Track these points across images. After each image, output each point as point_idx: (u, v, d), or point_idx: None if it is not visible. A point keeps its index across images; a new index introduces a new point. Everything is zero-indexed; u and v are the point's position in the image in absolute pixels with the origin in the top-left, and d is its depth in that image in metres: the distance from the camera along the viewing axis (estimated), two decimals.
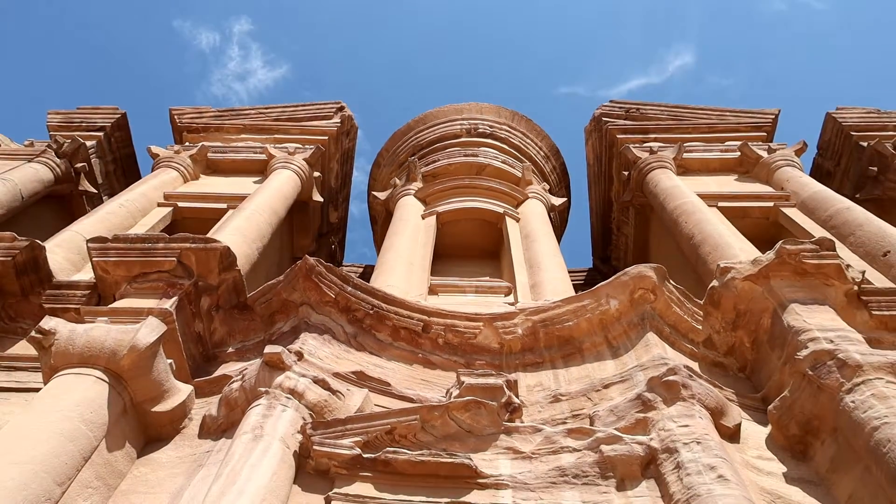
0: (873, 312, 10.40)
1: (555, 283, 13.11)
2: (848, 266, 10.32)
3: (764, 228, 15.89)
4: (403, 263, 14.03)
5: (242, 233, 13.67)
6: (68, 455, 7.26)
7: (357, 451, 8.03)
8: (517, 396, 9.27)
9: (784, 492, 8.05)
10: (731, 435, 8.77)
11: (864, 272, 10.59)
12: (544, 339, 10.80)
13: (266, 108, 21.83)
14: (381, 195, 19.61)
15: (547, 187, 19.97)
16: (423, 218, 16.95)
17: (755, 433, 9.13)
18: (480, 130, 20.49)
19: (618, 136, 19.75)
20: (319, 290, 10.57)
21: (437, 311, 11.10)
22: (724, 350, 10.64)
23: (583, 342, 10.64)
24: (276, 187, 16.52)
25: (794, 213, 15.48)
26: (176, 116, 20.74)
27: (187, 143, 19.76)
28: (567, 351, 10.67)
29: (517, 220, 16.87)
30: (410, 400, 9.66)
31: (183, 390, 9.20)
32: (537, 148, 21.05)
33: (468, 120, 20.85)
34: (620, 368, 9.93)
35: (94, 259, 10.54)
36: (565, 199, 19.77)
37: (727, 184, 17.46)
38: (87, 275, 11.93)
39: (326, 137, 20.17)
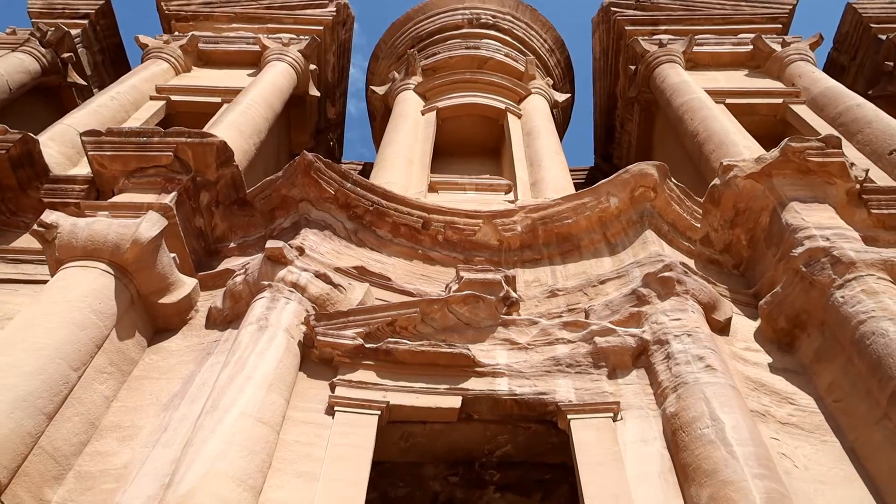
0: (872, 211, 10.43)
1: (555, 181, 13.02)
2: (852, 164, 10.21)
3: (771, 126, 15.54)
4: (403, 160, 13.86)
5: (238, 128, 13.39)
6: (81, 343, 7.53)
7: (359, 341, 8.33)
8: (515, 291, 9.48)
9: (767, 380, 8.44)
10: (722, 328, 9.06)
11: (867, 171, 10.49)
12: (543, 236, 10.87)
13: None
14: (380, 90, 19.03)
15: (550, 82, 19.36)
16: (422, 114, 16.54)
17: (745, 327, 9.44)
18: (483, 21, 19.54)
19: (626, 28, 18.86)
20: (319, 187, 10.50)
21: (437, 208, 11.10)
22: (721, 248, 10.76)
23: (581, 239, 10.73)
24: (270, 80, 15.98)
25: (802, 111, 15.09)
26: (163, 3, 19.66)
27: (176, 33, 18.88)
28: (565, 248, 10.79)
29: (519, 117, 16.46)
30: (410, 294, 9.88)
31: (188, 283, 9.39)
32: (541, 40, 20.17)
33: (470, 10, 19.82)
34: (617, 265, 10.09)
35: (89, 153, 10.39)
36: (569, 94, 19.22)
37: (737, 79, 16.90)
38: (83, 169, 11.81)
39: (321, 27, 19.26)
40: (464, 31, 19.41)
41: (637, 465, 7.12)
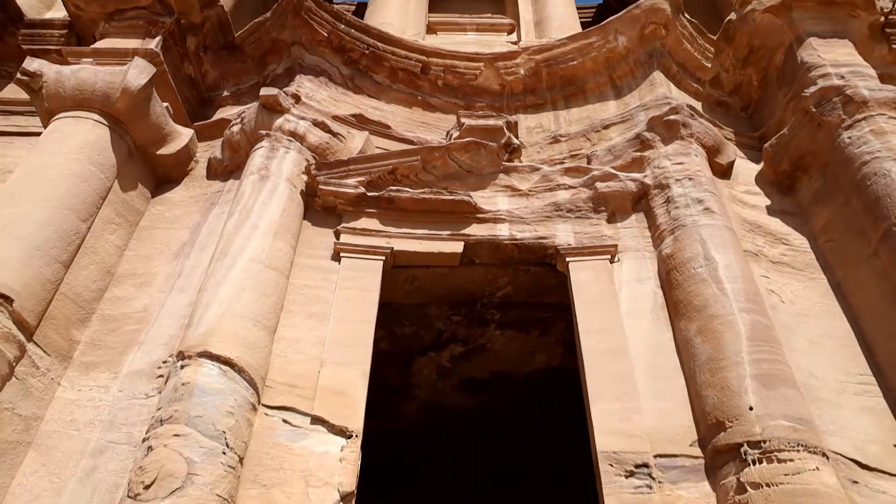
0: (893, 46, 9.93)
1: (561, 19, 12.22)
2: None
3: None
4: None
5: None
6: (85, 194, 7.59)
7: (361, 189, 8.38)
8: (517, 137, 9.32)
9: (764, 222, 8.60)
10: (724, 171, 9.07)
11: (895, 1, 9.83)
12: (547, 79, 10.47)
13: None
14: None
15: None
16: None
17: (747, 170, 9.41)
18: None
19: None
20: (311, 28, 9.91)
21: (436, 50, 10.57)
22: (730, 89, 10.40)
23: (587, 82, 10.35)
24: None
25: None
26: None
27: None
28: (569, 91, 10.44)
29: None
30: (410, 142, 9.71)
31: (184, 133, 9.24)
32: None
33: None
34: (622, 109, 9.82)
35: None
36: None
37: None
38: (59, 13, 11.06)
39: None
40: None
41: (630, 302, 7.50)
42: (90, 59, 8.93)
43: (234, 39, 10.41)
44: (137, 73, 8.39)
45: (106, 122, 8.26)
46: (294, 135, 8.71)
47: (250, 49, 10.40)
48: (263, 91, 8.80)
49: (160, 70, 9.07)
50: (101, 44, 9.49)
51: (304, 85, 9.73)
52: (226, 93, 10.54)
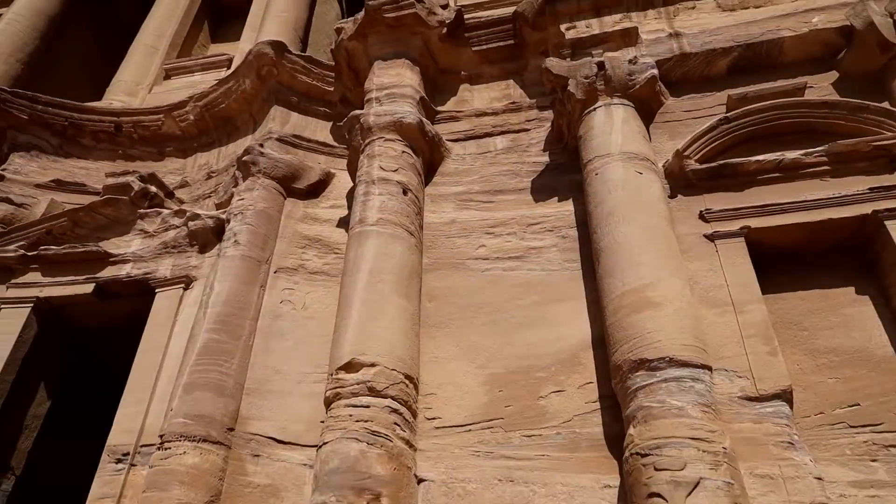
0: (474, 48, 10.96)
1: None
2: (433, 10, 10.56)
3: None
4: (145, 50, 15.00)
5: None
6: None
7: (22, 252, 10.96)
8: (157, 186, 11.45)
9: (326, 235, 10.27)
10: (307, 192, 10.69)
11: (456, 9, 10.75)
12: (212, 121, 12.43)
13: None
14: None
15: None
16: None
17: (345, 183, 10.97)
18: None
19: None
20: (12, 115, 12.40)
21: (125, 110, 12.79)
22: (360, 105, 11.82)
23: (237, 120, 12.22)
24: None
25: None
26: None
27: None
28: (228, 129, 12.36)
29: None
30: (98, 193, 12.12)
31: None
32: None
33: None
34: (249, 143, 11.62)
35: None
36: None
37: None
38: None
39: None
40: None
41: (182, 323, 9.68)
42: None
43: None
44: None
45: None
46: None
47: None
48: None
49: None
50: None
51: (15, 161, 12.31)
52: None
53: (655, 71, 8.71)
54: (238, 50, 14.35)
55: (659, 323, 6.56)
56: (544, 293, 8.32)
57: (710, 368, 6.46)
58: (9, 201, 11.58)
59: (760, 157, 7.98)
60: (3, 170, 12.06)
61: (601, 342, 7.37)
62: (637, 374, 6.47)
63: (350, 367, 7.41)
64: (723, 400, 6.53)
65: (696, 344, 6.49)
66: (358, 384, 7.23)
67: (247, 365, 8.70)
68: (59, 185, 12.21)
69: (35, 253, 10.93)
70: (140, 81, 14.38)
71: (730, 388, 6.68)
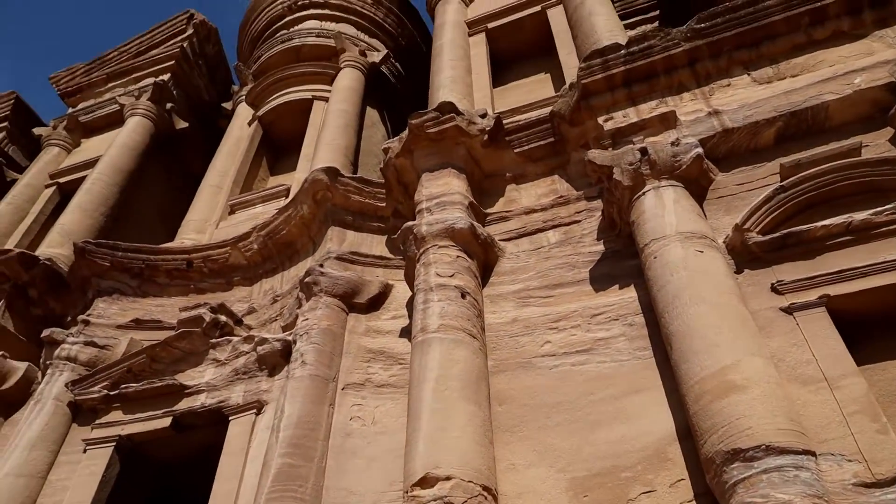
0: (516, 150, 11.34)
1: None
2: (472, 121, 11.09)
3: (541, 34, 15.62)
4: (211, 190, 16.21)
5: (82, 208, 16.44)
6: None
7: (105, 392, 11.42)
8: (227, 315, 11.93)
9: (390, 346, 10.32)
10: (367, 306, 10.89)
11: (494, 116, 11.24)
12: (274, 248, 13.06)
13: (127, 45, 22.86)
14: (229, 105, 21.00)
15: (375, 44, 20.03)
16: (248, 125, 18.48)
17: (404, 293, 11.14)
18: (300, 4, 20.48)
19: None
20: (96, 264, 13.41)
21: (194, 247, 13.63)
22: (412, 216, 12.22)
23: (297, 244, 12.80)
24: (120, 144, 18.59)
25: (557, 14, 15.10)
26: (55, 84, 22.80)
27: (70, 110, 22.01)
28: (289, 253, 12.94)
29: (327, 100, 17.83)
30: (173, 328, 12.70)
31: (19, 368, 12.95)
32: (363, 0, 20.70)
33: None
34: (313, 264, 12.09)
35: None
36: (386, 51, 19.72)
37: None
38: None
39: (173, 62, 21.29)
40: (286, 19, 20.53)
41: (256, 448, 9.68)
42: None
43: (63, 280, 14.20)
44: None
45: None
46: (69, 358, 12.05)
47: (73, 284, 14.11)
48: (44, 333, 12.31)
49: (1, 327, 12.95)
50: None
51: (98, 306, 13.14)
52: (69, 318, 14.28)
53: (700, 149, 8.72)
54: (294, 179, 15.34)
55: (747, 407, 6.11)
56: (618, 386, 7.96)
57: (813, 454, 5.90)
58: (93, 344, 12.26)
59: (827, 222, 7.69)
60: (88, 315, 12.88)
61: (688, 433, 6.90)
62: (732, 466, 5.96)
63: (425, 482, 7.14)
64: (835, 489, 5.89)
65: (792, 427, 5.98)
66: (435, 500, 6.93)
67: (321, 487, 8.52)
68: (137, 324, 12.90)
69: (117, 392, 11.37)
70: (208, 218, 15.42)
71: (840, 475, 6.03)
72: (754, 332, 6.93)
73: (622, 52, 10.29)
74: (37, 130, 21.42)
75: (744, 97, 9.43)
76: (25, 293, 13.89)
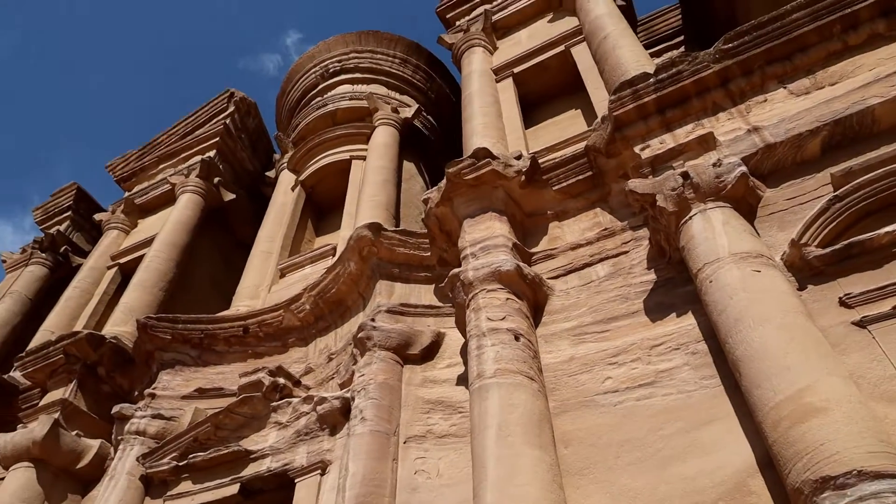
0: (554, 188, 11.36)
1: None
2: (508, 163, 11.19)
3: (567, 73, 15.84)
4: (261, 256, 16.71)
5: (142, 285, 17.17)
6: None
7: (174, 463, 11.63)
8: (285, 377, 12.09)
9: (447, 395, 10.23)
10: (422, 357, 10.88)
11: (530, 157, 11.32)
12: (325, 307, 13.28)
13: (174, 127, 24.24)
14: (272, 174, 21.81)
15: (406, 100, 20.64)
16: (292, 189, 19.13)
17: (457, 341, 11.09)
18: (332, 71, 21.37)
19: (446, 16, 19.61)
20: (158, 338, 13.88)
21: (249, 314, 13.98)
22: (456, 262, 12.29)
23: (347, 301, 12.99)
24: (173, 221, 19.46)
25: (581, 51, 15.31)
26: (111, 171, 24.22)
27: (126, 194, 23.27)
28: (341, 311, 13.12)
29: (364, 159, 18.34)
30: (234, 394, 12.93)
31: (93, 446, 13.35)
32: (390, 59, 21.46)
33: (319, 64, 21.72)
34: (365, 319, 12.21)
35: (22, 373, 14.78)
36: (417, 106, 20.25)
37: (540, 32, 17.07)
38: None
39: (217, 138, 22.37)
40: (320, 87, 21.42)
41: None
42: (38, 416, 13.58)
43: (128, 356, 14.71)
44: (42, 427, 12.76)
45: (32, 465, 12.60)
46: (139, 432, 12.37)
47: (138, 359, 14.60)
48: (114, 409, 12.71)
49: (70, 409, 13.46)
50: (45, 400, 14.20)
51: (162, 379, 13.53)
52: (137, 393, 14.73)
53: (744, 167, 8.56)
54: (339, 238, 15.70)
55: (831, 431, 5.77)
56: (688, 418, 7.65)
57: None
58: (161, 416, 12.58)
59: (890, 228, 7.37)
60: (153, 388, 13.26)
61: (769, 463, 6.53)
62: (823, 496, 5.60)
63: None
64: None
65: (884, 449, 5.60)
66: None
67: None
68: (200, 393, 13.20)
69: (185, 462, 11.56)
70: (260, 284, 15.86)
71: None
72: (827, 350, 6.61)
73: (651, 80, 10.31)
74: (97, 216, 22.66)
75: (783, 111, 9.27)
76: (95, 372, 14.43)
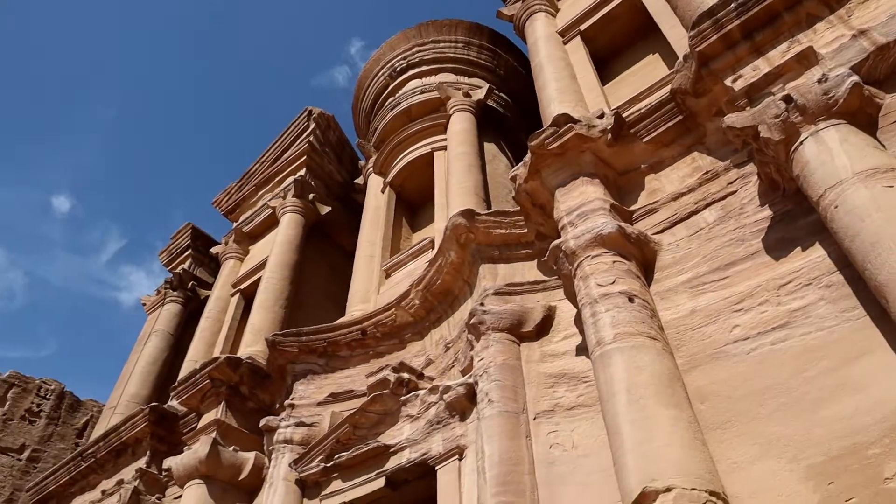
0: (643, 140, 10.91)
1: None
2: (591, 124, 10.86)
3: (637, 18, 15.07)
4: (364, 260, 17.33)
5: (264, 306, 18.35)
6: None
7: (322, 465, 12.40)
8: (408, 372, 12.52)
9: (569, 367, 10.16)
10: (536, 333, 10.85)
11: (612, 113, 10.89)
12: (433, 299, 13.58)
13: (264, 155, 25.51)
14: (360, 180, 22.44)
15: (475, 83, 20.52)
16: (382, 192, 19.63)
17: (569, 312, 10.97)
18: (399, 69, 21.65)
19: None
20: (287, 352, 14.79)
21: (364, 317, 14.56)
22: (555, 235, 12.13)
23: (454, 290, 13.20)
24: (280, 242, 20.61)
25: None
26: (217, 207, 25.99)
27: (235, 224, 24.90)
28: (449, 301, 13.36)
29: (446, 149, 18.47)
30: (364, 394, 13.55)
31: (249, 458, 14.50)
32: (453, 45, 21.41)
33: (386, 65, 22.07)
34: (474, 305, 12.36)
35: (178, 401, 16.28)
36: (487, 86, 20.00)
37: None
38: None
39: (305, 157, 23.38)
40: (391, 87, 21.76)
41: (468, 492, 9.90)
42: (199, 437, 14.96)
43: (264, 372, 15.81)
44: (203, 447, 14.02)
45: (202, 482, 13.89)
46: (286, 441, 13.29)
47: (273, 374, 15.64)
48: (262, 422, 13.71)
49: (223, 426, 14.69)
50: (200, 423, 15.57)
51: (297, 390, 14.43)
52: (278, 405, 15.79)
53: (855, 77, 7.80)
54: (435, 230, 15.96)
55: None
56: (833, 355, 7.14)
57: None
58: (303, 424, 13.44)
59: None
60: (292, 399, 14.18)
61: None
62: None
63: (645, 498, 6.83)
64: None
65: None
66: None
67: None
68: (333, 397, 13.96)
69: (332, 463, 12.30)
70: (368, 287, 16.46)
71: None
72: None
73: (732, 4, 9.60)
74: (213, 249, 24.40)
75: (890, 5, 8.34)
76: (238, 391, 15.63)
